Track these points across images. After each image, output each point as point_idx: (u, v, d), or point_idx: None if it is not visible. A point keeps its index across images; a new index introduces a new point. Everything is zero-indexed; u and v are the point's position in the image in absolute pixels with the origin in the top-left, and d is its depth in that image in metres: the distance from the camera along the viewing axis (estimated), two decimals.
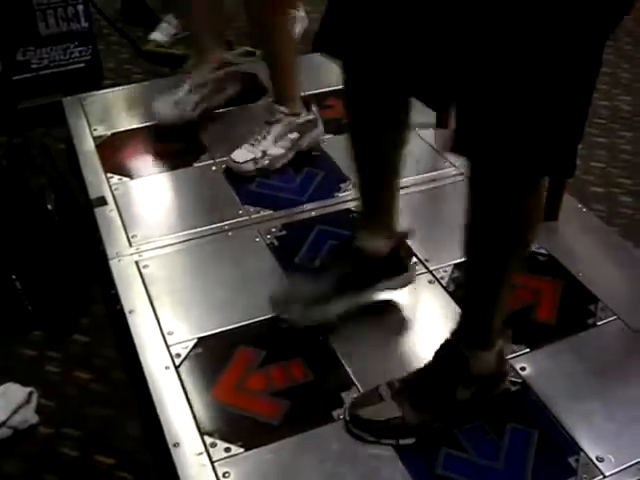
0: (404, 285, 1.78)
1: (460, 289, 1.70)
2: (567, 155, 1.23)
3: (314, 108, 2.31)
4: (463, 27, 1.18)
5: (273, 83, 2.29)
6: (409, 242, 1.78)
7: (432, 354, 1.51)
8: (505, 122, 1.18)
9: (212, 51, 2.47)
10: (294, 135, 2.28)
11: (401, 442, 1.47)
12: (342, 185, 2.20)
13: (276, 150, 2.26)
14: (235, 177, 2.24)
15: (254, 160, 2.24)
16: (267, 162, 2.25)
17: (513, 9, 1.11)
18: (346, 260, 1.70)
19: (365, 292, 1.73)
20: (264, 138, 2.25)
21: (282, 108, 2.25)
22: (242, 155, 2.25)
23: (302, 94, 2.30)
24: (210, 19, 2.45)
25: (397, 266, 1.75)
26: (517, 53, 1.13)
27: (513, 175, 1.24)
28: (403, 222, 1.91)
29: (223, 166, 2.28)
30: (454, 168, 2.26)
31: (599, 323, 1.75)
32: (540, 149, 1.20)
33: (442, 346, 1.50)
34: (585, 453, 1.46)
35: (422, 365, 1.52)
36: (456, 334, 1.50)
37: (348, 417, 1.50)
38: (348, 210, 2.11)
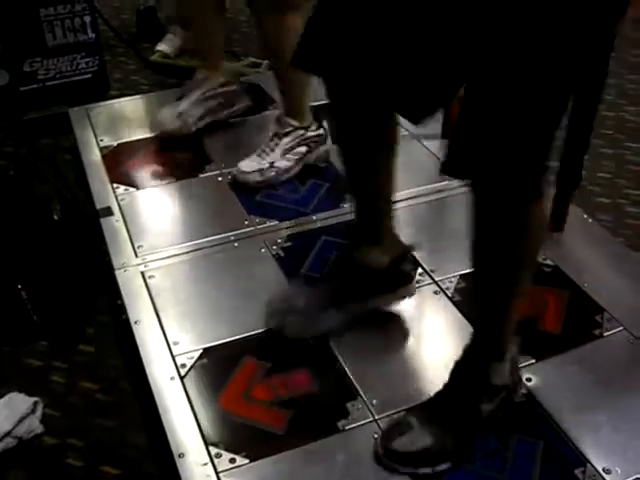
0: (402, 298, 1.78)
1: (470, 304, 1.70)
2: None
3: (325, 122, 2.30)
4: (448, 40, 1.17)
5: (282, 95, 2.28)
6: (415, 254, 1.78)
7: (448, 375, 1.49)
8: (496, 138, 1.17)
9: (218, 64, 2.48)
10: (303, 149, 2.28)
11: (437, 469, 1.44)
12: (347, 196, 2.20)
13: (284, 163, 2.26)
14: (241, 187, 2.24)
15: (260, 171, 2.24)
16: (273, 174, 2.25)
17: (498, 25, 1.10)
18: (345, 272, 1.71)
19: (362, 304, 1.72)
20: (272, 150, 2.25)
21: (292, 121, 2.24)
22: (249, 165, 2.25)
23: (313, 104, 2.29)
24: (210, 34, 2.45)
25: (396, 279, 1.75)
26: (506, 68, 1.13)
27: (509, 190, 1.23)
28: (409, 232, 1.92)
29: (229, 177, 2.29)
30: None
31: (605, 334, 1.74)
32: (534, 162, 1.20)
33: (458, 364, 1.48)
34: (592, 465, 1.45)
35: (439, 384, 1.50)
36: (471, 349, 1.48)
37: (382, 450, 1.46)
38: (354, 221, 2.11)
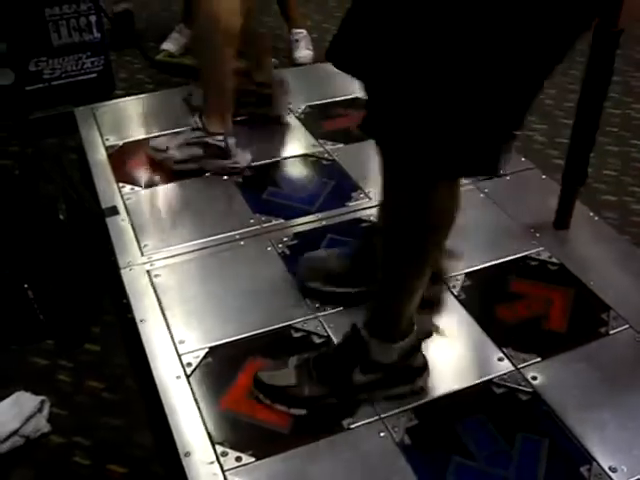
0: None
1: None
2: (485, 154, 1.17)
3: (230, 140, 2.26)
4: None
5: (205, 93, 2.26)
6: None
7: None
8: (414, 111, 1.13)
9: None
10: (199, 151, 2.27)
11: (292, 411, 1.53)
12: (353, 194, 2.20)
13: (178, 154, 2.28)
14: (248, 181, 2.27)
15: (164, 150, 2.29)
16: (163, 157, 2.30)
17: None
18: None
19: None
20: (174, 138, 2.30)
21: (203, 123, 2.23)
22: (161, 143, 2.31)
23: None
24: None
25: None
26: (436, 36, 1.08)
27: (418, 168, 1.19)
28: None
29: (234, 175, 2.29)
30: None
31: (611, 332, 1.74)
32: (450, 145, 1.14)
33: (350, 330, 1.52)
34: (597, 463, 1.45)
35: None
36: (364, 320, 1.51)
37: (252, 380, 1.57)
38: (359, 219, 2.11)
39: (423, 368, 1.57)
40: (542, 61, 1.13)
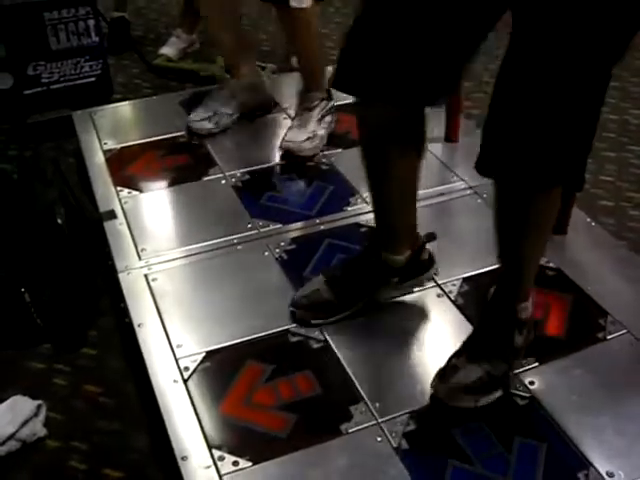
0: (420, 285, 1.85)
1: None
2: (578, 167, 1.34)
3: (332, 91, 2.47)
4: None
5: (304, 73, 2.49)
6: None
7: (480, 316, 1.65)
8: (524, 142, 1.28)
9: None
10: (328, 118, 2.46)
11: (492, 397, 1.56)
12: (351, 199, 2.20)
13: (321, 131, 2.43)
14: (247, 185, 2.28)
15: (310, 140, 2.39)
16: (317, 142, 2.40)
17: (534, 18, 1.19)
18: (367, 270, 1.76)
19: (383, 294, 1.81)
20: (308, 122, 2.41)
21: (318, 94, 2.43)
22: (299, 135, 2.39)
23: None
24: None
25: (416, 269, 1.81)
26: (531, 71, 1.17)
27: (531, 188, 1.37)
28: None
29: (232, 179, 2.29)
30: (463, 182, 2.26)
31: (609, 337, 1.74)
32: (555, 162, 1.29)
33: (490, 304, 1.63)
34: (595, 468, 1.45)
35: (475, 327, 1.66)
36: (500, 291, 1.62)
37: (443, 392, 1.56)
38: (357, 224, 2.11)
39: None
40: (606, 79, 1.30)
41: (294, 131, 2.41)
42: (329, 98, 2.47)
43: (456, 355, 1.59)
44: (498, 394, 1.57)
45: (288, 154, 2.38)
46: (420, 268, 1.81)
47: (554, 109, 1.24)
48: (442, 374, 1.57)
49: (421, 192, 2.17)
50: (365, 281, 1.77)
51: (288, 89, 2.74)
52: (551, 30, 1.18)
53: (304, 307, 1.78)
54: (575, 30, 1.17)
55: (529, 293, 1.63)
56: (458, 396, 1.54)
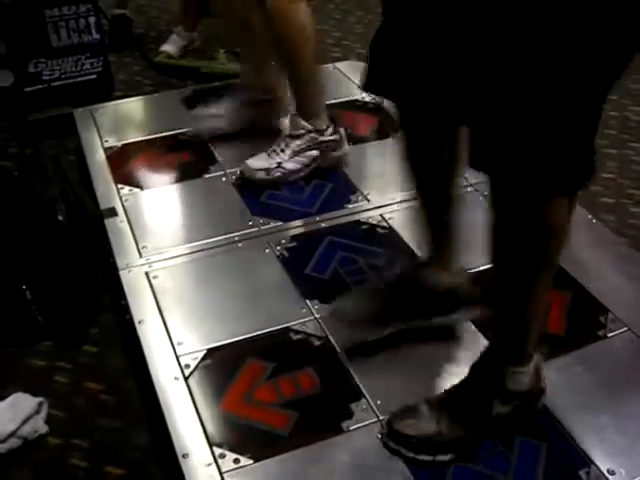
0: (458, 321, 1.75)
1: (491, 306, 1.62)
2: (585, 167, 1.24)
3: (341, 128, 2.26)
4: (479, 45, 1.20)
5: (295, 94, 2.22)
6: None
7: (468, 370, 1.50)
8: (520, 136, 1.19)
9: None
10: (314, 152, 2.25)
11: (437, 458, 1.46)
12: (352, 197, 2.20)
13: (291, 165, 2.24)
14: (246, 183, 2.25)
15: (267, 170, 2.22)
16: (279, 174, 2.23)
17: (529, 28, 1.13)
18: (410, 290, 1.68)
19: (420, 321, 1.71)
20: (282, 150, 2.22)
21: (305, 124, 2.20)
22: (257, 163, 2.24)
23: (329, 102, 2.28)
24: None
25: (455, 302, 1.72)
26: (531, 70, 1.15)
27: (532, 189, 1.23)
28: (412, 233, 1.92)
29: (234, 177, 2.29)
30: (463, 179, 2.25)
31: (609, 334, 1.74)
32: (556, 162, 1.21)
33: (476, 363, 1.49)
34: (596, 466, 1.45)
35: (455, 381, 1.52)
36: (489, 350, 1.49)
37: (386, 430, 1.49)
38: (358, 221, 2.11)
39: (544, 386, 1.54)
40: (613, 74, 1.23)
41: (258, 157, 2.25)
42: (324, 131, 2.23)
43: (429, 399, 1.51)
44: (444, 458, 1.46)
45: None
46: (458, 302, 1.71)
47: (550, 107, 1.20)
48: (401, 411, 1.51)
49: None
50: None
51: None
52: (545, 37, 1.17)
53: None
54: (570, 39, 1.16)
55: (526, 356, 1.47)
56: (398, 442, 1.48)
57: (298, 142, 2.21)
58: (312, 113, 2.20)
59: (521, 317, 1.43)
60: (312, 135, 2.21)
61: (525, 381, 1.47)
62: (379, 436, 1.50)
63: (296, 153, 2.22)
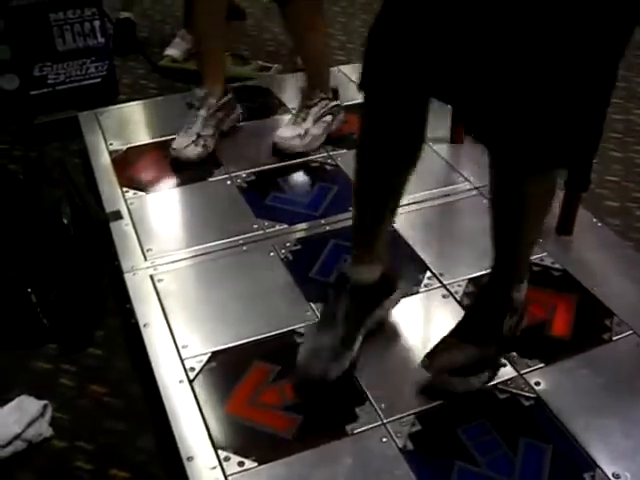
0: (395, 305, 1.79)
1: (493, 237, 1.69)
2: (583, 165, 1.32)
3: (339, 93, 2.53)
4: (489, 26, 1.23)
5: (307, 71, 2.49)
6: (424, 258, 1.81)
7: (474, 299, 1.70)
8: (534, 111, 1.25)
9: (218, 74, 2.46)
10: (328, 117, 2.47)
11: (484, 377, 1.61)
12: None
13: (316, 130, 2.44)
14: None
15: (300, 136, 2.41)
16: (309, 140, 2.41)
17: (539, 12, 1.16)
18: (346, 299, 1.67)
19: (369, 320, 1.71)
20: (304, 119, 2.42)
21: (319, 92, 2.44)
22: (288, 132, 2.41)
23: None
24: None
25: (388, 288, 1.76)
26: (541, 52, 1.17)
27: (531, 166, 1.34)
28: (417, 236, 1.92)
29: (238, 180, 2.30)
30: (468, 183, 2.26)
31: (615, 338, 1.74)
32: (550, 142, 1.28)
33: (485, 287, 1.68)
34: (601, 470, 1.45)
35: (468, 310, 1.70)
36: (495, 274, 1.65)
37: (434, 370, 1.59)
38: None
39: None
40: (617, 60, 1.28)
41: (286, 127, 2.44)
42: (333, 98, 2.48)
43: (448, 336, 1.62)
44: (486, 376, 1.60)
45: (277, 150, 2.42)
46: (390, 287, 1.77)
47: (554, 89, 1.22)
48: (432, 354, 1.59)
49: (426, 193, 2.20)
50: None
51: (293, 89, 2.74)
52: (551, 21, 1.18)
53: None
54: (575, 22, 1.17)
55: (523, 277, 1.65)
56: (445, 378, 1.59)
57: (316, 109, 2.44)
58: (322, 83, 2.46)
59: (521, 247, 1.62)
60: (324, 102, 2.45)
61: (524, 292, 1.65)
62: (384, 440, 1.50)
63: (317, 119, 2.44)
